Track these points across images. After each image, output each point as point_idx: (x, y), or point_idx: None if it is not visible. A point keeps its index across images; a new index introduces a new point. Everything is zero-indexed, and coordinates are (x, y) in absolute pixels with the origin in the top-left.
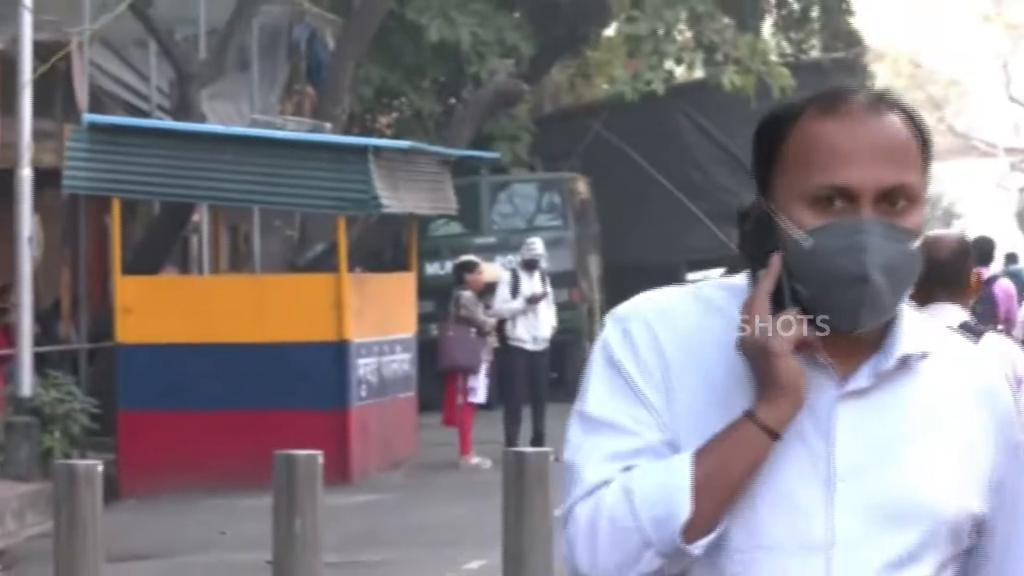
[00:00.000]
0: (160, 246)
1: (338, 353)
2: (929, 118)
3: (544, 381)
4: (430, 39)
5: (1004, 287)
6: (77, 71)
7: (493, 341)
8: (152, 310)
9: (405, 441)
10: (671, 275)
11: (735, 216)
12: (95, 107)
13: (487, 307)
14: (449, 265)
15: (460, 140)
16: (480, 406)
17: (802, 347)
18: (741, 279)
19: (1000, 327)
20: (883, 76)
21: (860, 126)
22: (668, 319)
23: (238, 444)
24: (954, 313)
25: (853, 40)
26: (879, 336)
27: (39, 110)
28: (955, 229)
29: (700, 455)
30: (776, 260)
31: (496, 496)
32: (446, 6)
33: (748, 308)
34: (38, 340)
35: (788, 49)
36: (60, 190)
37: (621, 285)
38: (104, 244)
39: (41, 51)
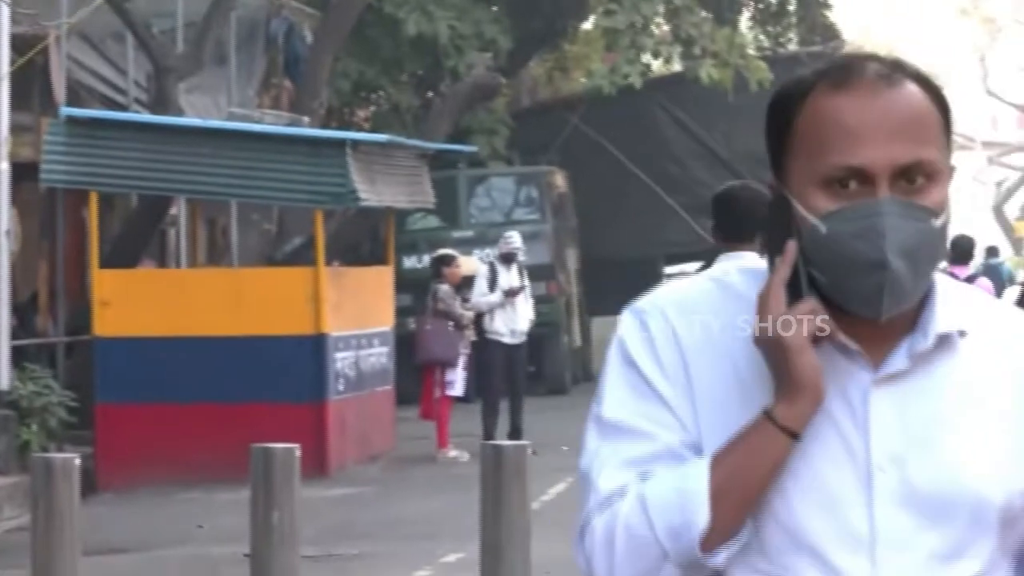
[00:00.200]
0: (138, 239)
1: (315, 346)
2: None
3: (522, 374)
4: (408, 33)
5: (983, 285)
6: (55, 65)
7: (471, 334)
8: (130, 303)
9: (383, 434)
10: (648, 268)
11: (709, 206)
12: (72, 101)
13: (465, 301)
14: (427, 259)
15: (438, 134)
16: (458, 399)
17: (825, 337)
18: (765, 264)
19: None
20: None
21: (873, 100)
22: (687, 310)
23: (215, 437)
24: None
25: (830, 33)
26: (914, 315)
27: (16, 104)
28: None
29: (717, 459)
30: (791, 247)
31: (474, 489)
32: (424, 0)
33: (762, 300)
34: (15, 333)
35: (766, 43)
36: (38, 184)
37: (599, 278)
38: (82, 237)
39: (18, 44)
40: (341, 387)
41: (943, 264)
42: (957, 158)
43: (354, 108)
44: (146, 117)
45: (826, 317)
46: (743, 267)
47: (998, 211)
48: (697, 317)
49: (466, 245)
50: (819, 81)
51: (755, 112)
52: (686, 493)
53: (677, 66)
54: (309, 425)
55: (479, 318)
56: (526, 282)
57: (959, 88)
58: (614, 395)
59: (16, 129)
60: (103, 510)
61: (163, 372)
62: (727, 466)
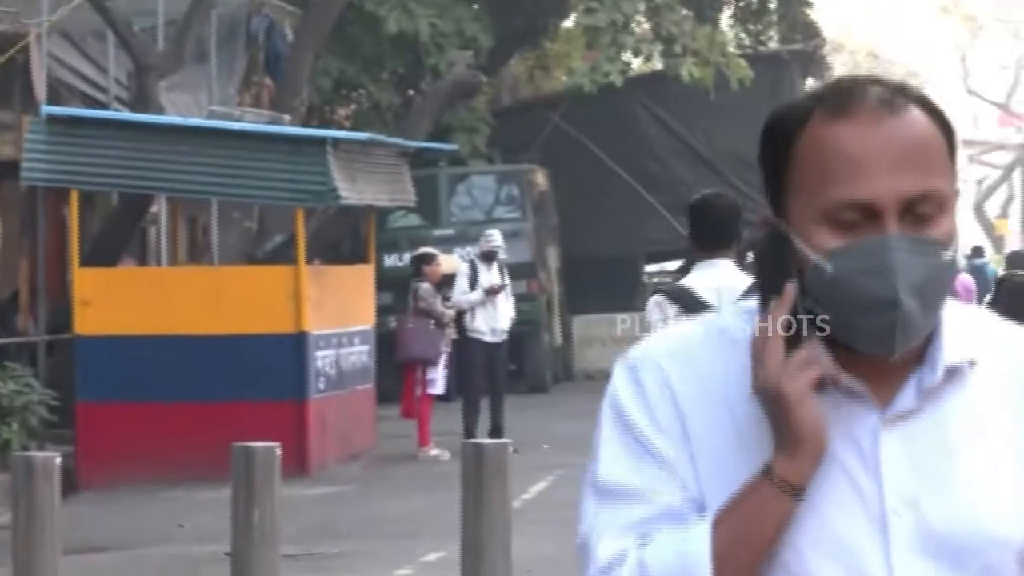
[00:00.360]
0: (118, 238)
1: (296, 345)
2: None
3: (503, 373)
4: (389, 30)
5: (963, 281)
6: (35, 63)
7: (451, 333)
8: (110, 302)
9: (363, 433)
10: (629, 266)
11: (686, 208)
12: (53, 99)
13: (446, 299)
14: (408, 257)
15: (418, 132)
16: (439, 398)
17: (827, 383)
18: (753, 304)
19: None
20: (841, 68)
21: (876, 128)
22: (682, 360)
23: (196, 436)
24: None
25: (811, 32)
26: (920, 347)
27: None
28: None
29: (719, 519)
30: (790, 290)
31: (455, 488)
32: None
33: (758, 348)
34: None
35: (746, 40)
36: (18, 182)
37: (580, 277)
38: (62, 236)
39: None
40: (322, 386)
41: None
42: None
43: (335, 106)
44: (127, 115)
45: (830, 365)
46: (738, 308)
47: (979, 209)
48: (694, 367)
49: (447, 243)
50: (816, 108)
51: (736, 110)
52: (688, 556)
53: (658, 64)
54: (290, 424)
55: (460, 316)
56: (507, 280)
57: (940, 87)
58: (608, 456)
59: None
60: (84, 509)
61: (144, 371)
62: (729, 527)
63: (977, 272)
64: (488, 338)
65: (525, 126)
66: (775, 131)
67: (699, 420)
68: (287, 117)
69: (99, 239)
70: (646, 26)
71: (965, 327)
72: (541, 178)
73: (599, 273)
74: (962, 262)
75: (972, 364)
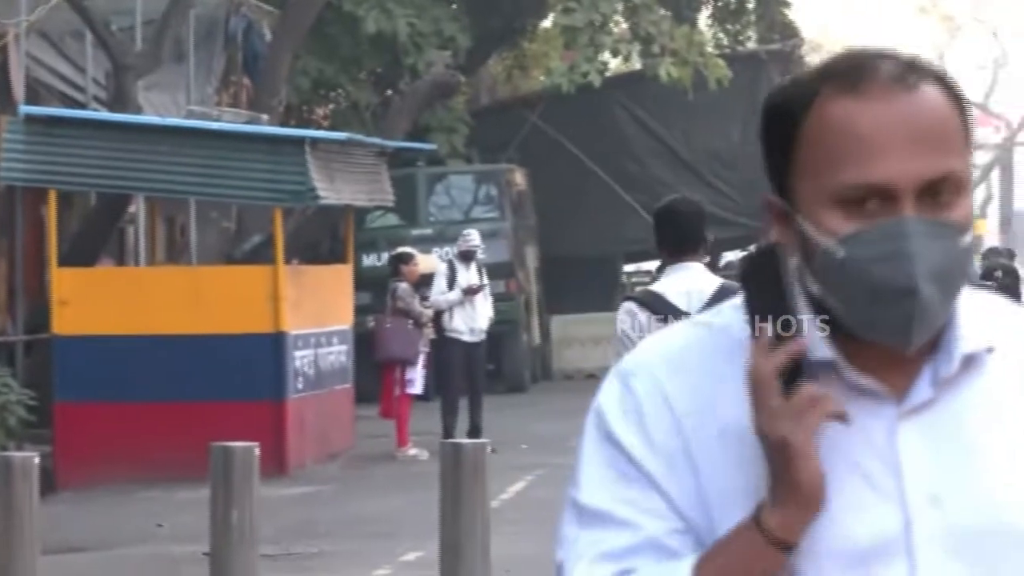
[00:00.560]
0: (96, 238)
1: (275, 345)
2: None
3: (481, 372)
4: (367, 30)
5: None
6: (13, 63)
7: (430, 333)
8: (88, 302)
9: (342, 433)
10: (607, 266)
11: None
12: (31, 98)
13: (424, 299)
14: (386, 257)
15: (397, 132)
16: (417, 397)
17: (839, 375)
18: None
19: None
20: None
21: (889, 106)
22: (680, 368)
23: (175, 436)
24: None
25: (789, 31)
26: (935, 336)
27: None
28: None
29: (702, 564)
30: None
31: (433, 488)
32: None
33: (753, 384)
34: None
35: (725, 40)
36: None
37: (558, 276)
38: (40, 236)
39: None
40: (300, 385)
41: None
42: None
43: (313, 106)
44: (105, 115)
45: (837, 403)
46: (737, 304)
47: None
48: (694, 376)
49: (425, 243)
50: (824, 84)
51: (714, 110)
52: None
53: (636, 64)
54: (268, 423)
55: (438, 316)
56: (485, 280)
57: None
58: (591, 477)
59: None
60: (62, 509)
61: (122, 371)
62: (712, 573)
63: None
64: (466, 338)
65: (503, 126)
66: (779, 109)
67: (701, 434)
68: (265, 117)
69: (77, 239)
70: (624, 26)
71: (979, 313)
72: (519, 178)
73: (578, 273)
74: None
75: (990, 350)
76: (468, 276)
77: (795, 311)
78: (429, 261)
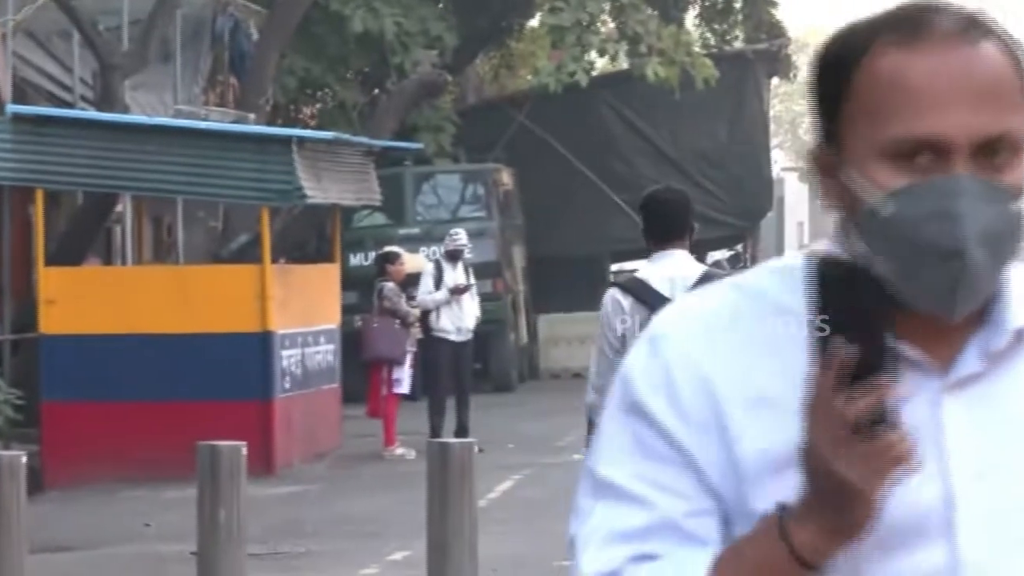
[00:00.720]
0: (83, 237)
1: (262, 344)
2: None
3: (468, 372)
4: (354, 30)
5: None
6: (0, 62)
7: (417, 332)
8: (75, 301)
9: (329, 432)
10: (595, 266)
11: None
12: (19, 98)
13: (411, 298)
14: (373, 256)
15: (384, 131)
16: (404, 397)
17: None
18: (793, 260)
19: None
20: (806, 66)
21: (949, 59)
22: (711, 332)
23: (162, 435)
24: None
25: (776, 31)
26: (983, 307)
27: None
28: None
29: (721, 564)
30: (846, 350)
31: (420, 487)
32: None
33: (820, 416)
34: None
35: (712, 40)
36: None
37: (545, 276)
38: (27, 235)
39: None
40: (287, 385)
41: None
42: None
43: (300, 105)
44: (92, 114)
45: (918, 458)
46: (774, 266)
47: None
48: (728, 339)
49: (412, 242)
50: (880, 36)
51: (701, 110)
52: None
53: (623, 64)
54: (255, 423)
55: (425, 316)
56: (472, 280)
57: None
58: (611, 448)
59: None
60: (50, 508)
61: (109, 370)
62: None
63: None
64: (454, 337)
65: (490, 125)
66: (832, 59)
67: (733, 400)
68: (252, 116)
69: (64, 238)
70: (611, 25)
71: None
72: (506, 177)
73: (565, 272)
74: None
75: None
76: (455, 276)
77: (883, 340)
78: (415, 260)
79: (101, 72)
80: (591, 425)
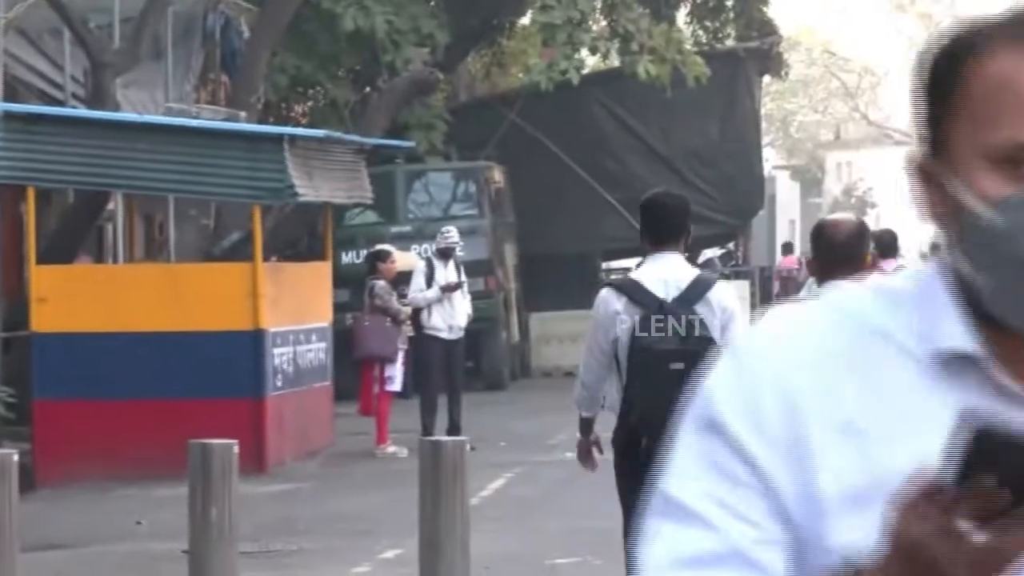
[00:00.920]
0: (75, 235)
1: (254, 342)
2: (843, 107)
3: (460, 370)
4: (345, 27)
5: None
6: None
7: (408, 330)
8: (67, 299)
9: (321, 430)
10: (586, 264)
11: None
12: (9, 96)
13: (402, 296)
14: (365, 254)
15: (375, 129)
16: (396, 395)
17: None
18: (904, 279)
19: None
20: (797, 65)
21: None
22: (802, 350)
23: (154, 433)
24: None
25: (767, 29)
26: None
27: None
28: (852, 214)
29: None
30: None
31: (412, 485)
32: None
33: (933, 510)
34: None
35: (703, 38)
36: None
37: (537, 274)
38: (19, 233)
39: None
40: (279, 383)
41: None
42: (894, 154)
43: (291, 103)
44: (83, 112)
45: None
46: (873, 285)
47: None
48: (819, 362)
49: (404, 240)
50: (993, 38)
51: (692, 108)
52: None
53: (615, 62)
54: (247, 421)
55: (416, 314)
56: (463, 277)
57: (895, 83)
58: (683, 465)
59: None
60: (41, 506)
61: (101, 368)
62: None
63: None
64: (445, 335)
65: (482, 123)
66: (938, 61)
67: (821, 425)
68: (243, 114)
69: (56, 236)
70: (603, 23)
71: None
72: (498, 175)
73: (556, 270)
74: (914, 256)
75: None
76: (446, 274)
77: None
78: (408, 259)
79: (92, 70)
80: (583, 421)
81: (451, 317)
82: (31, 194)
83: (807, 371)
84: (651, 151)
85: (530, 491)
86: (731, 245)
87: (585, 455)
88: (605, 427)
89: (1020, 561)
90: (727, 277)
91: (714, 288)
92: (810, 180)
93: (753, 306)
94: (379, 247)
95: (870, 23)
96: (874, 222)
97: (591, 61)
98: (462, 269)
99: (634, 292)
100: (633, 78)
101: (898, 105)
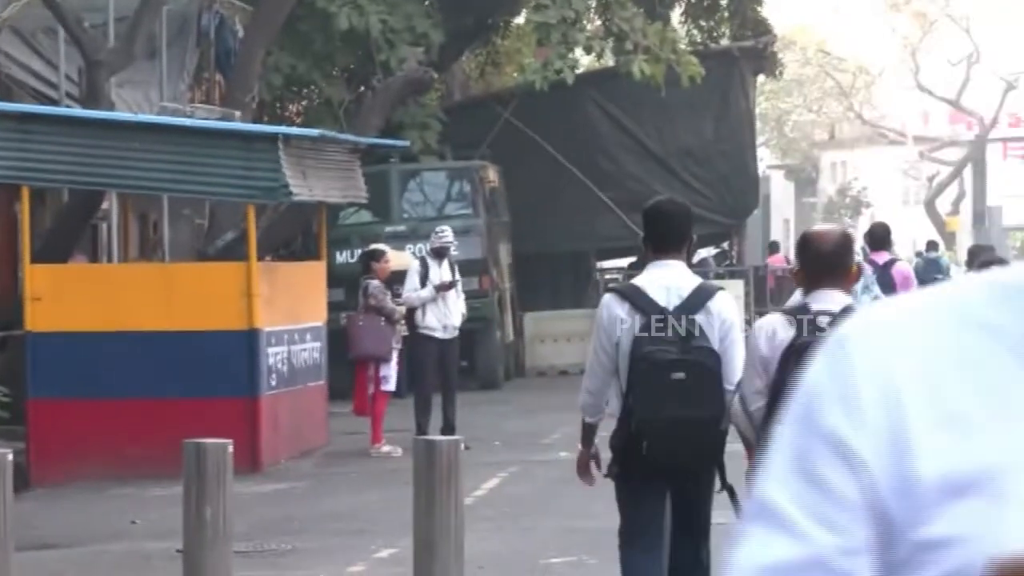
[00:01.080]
0: (69, 234)
1: (248, 342)
2: (838, 106)
3: (454, 369)
4: (339, 27)
5: (901, 270)
6: None
7: (402, 329)
8: (62, 298)
9: (315, 430)
10: (580, 263)
11: (643, 205)
12: (4, 95)
13: (396, 296)
14: (359, 253)
15: (370, 128)
16: (391, 394)
17: None
18: (1008, 275)
19: None
20: (792, 64)
21: None
22: (906, 338)
23: (148, 433)
24: (838, 297)
25: (762, 28)
26: None
27: None
28: (837, 225)
29: None
30: None
31: (407, 485)
32: None
33: None
34: None
35: (697, 37)
36: None
37: (531, 273)
38: (13, 232)
39: None
40: (274, 382)
41: (861, 252)
42: (888, 153)
43: (286, 102)
44: (78, 111)
45: None
46: (984, 278)
47: (930, 206)
48: (925, 355)
49: (398, 240)
50: None
51: (687, 107)
52: None
53: (609, 61)
54: (241, 420)
55: (411, 313)
56: (458, 277)
57: (890, 83)
58: (776, 465)
59: None
60: (36, 505)
61: (96, 367)
62: None
63: (932, 265)
64: (440, 335)
65: (476, 123)
66: None
67: (923, 416)
68: (238, 113)
69: (50, 236)
70: (597, 23)
71: None
72: (492, 175)
73: (551, 270)
74: (914, 258)
75: None
76: (441, 273)
77: None
78: (402, 258)
79: (87, 69)
80: (586, 427)
81: (445, 316)
82: (25, 193)
83: (909, 360)
84: (645, 150)
85: (525, 490)
86: (725, 245)
87: (584, 468)
88: (604, 427)
89: None
90: (721, 276)
91: (715, 297)
92: (805, 180)
93: (747, 306)
94: (373, 246)
95: (864, 22)
96: (869, 221)
97: (585, 60)
98: (456, 268)
99: (637, 298)
100: (628, 77)
101: (892, 104)
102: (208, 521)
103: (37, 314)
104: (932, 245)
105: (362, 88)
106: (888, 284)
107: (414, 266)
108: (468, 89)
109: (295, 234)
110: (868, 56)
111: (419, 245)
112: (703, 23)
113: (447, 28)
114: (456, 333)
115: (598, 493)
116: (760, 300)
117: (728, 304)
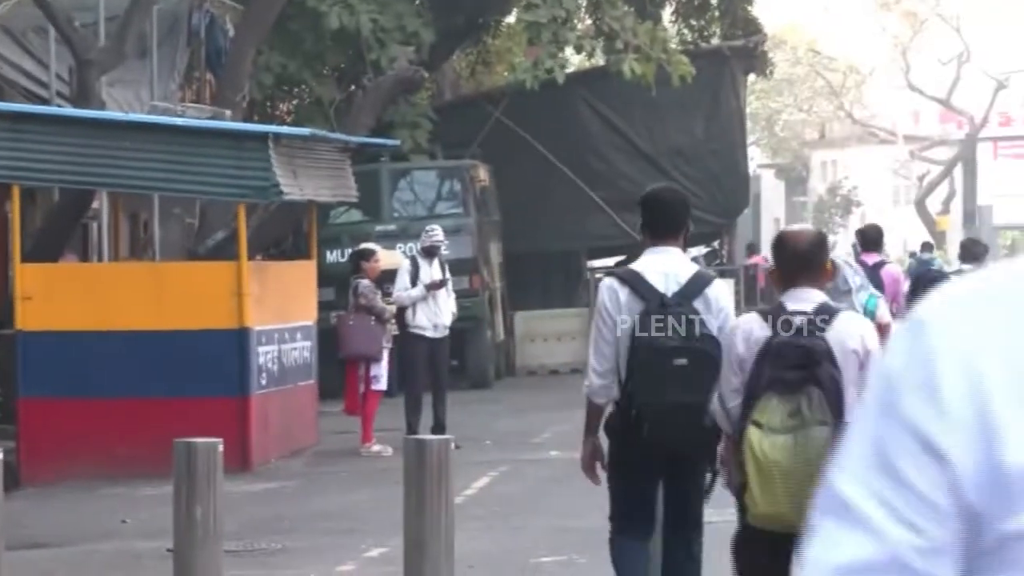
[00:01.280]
0: (60, 233)
1: (238, 341)
2: (828, 105)
3: (445, 369)
4: (330, 26)
5: (890, 271)
6: None
7: (393, 328)
8: (52, 298)
9: (306, 429)
10: (571, 262)
11: (634, 203)
12: None
13: (387, 295)
14: (350, 253)
15: (360, 127)
16: (381, 393)
17: None
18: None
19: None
20: (782, 63)
21: None
22: (987, 320)
23: (139, 432)
24: (813, 295)
25: (752, 28)
26: None
27: None
28: (811, 225)
29: None
30: None
31: (397, 484)
32: None
33: None
34: None
35: (688, 36)
36: None
37: (522, 272)
38: (4, 231)
39: None
40: (264, 381)
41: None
42: (879, 152)
43: (276, 101)
44: (68, 111)
45: None
46: None
47: (920, 205)
48: (999, 323)
49: (389, 239)
50: None
51: (677, 106)
52: None
53: (600, 60)
54: (232, 420)
55: (401, 312)
56: (448, 276)
57: (881, 82)
58: (853, 456)
59: None
60: (26, 505)
61: (86, 367)
62: None
63: (925, 266)
64: (430, 334)
65: (467, 122)
66: None
67: (1007, 399)
68: (228, 112)
69: (41, 235)
70: (588, 22)
71: None
72: (483, 174)
73: (541, 269)
74: (907, 259)
75: None
76: (431, 272)
77: None
78: (392, 257)
79: (77, 68)
80: (592, 412)
81: (436, 316)
82: (16, 192)
83: (990, 342)
84: (636, 150)
85: (515, 490)
86: (716, 243)
87: (590, 463)
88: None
89: None
90: None
91: (712, 285)
92: (795, 179)
93: (738, 304)
94: (364, 246)
95: (855, 22)
96: (859, 220)
97: (576, 60)
98: (447, 267)
99: (636, 283)
100: (618, 77)
101: (883, 104)
102: (198, 520)
103: (27, 313)
104: (927, 246)
105: (353, 87)
106: (877, 286)
107: (404, 265)
108: (459, 88)
109: (286, 233)
110: (858, 55)
111: (409, 244)
112: (693, 22)
113: (438, 27)
114: (446, 332)
115: (588, 492)
116: (751, 299)
117: (724, 292)
